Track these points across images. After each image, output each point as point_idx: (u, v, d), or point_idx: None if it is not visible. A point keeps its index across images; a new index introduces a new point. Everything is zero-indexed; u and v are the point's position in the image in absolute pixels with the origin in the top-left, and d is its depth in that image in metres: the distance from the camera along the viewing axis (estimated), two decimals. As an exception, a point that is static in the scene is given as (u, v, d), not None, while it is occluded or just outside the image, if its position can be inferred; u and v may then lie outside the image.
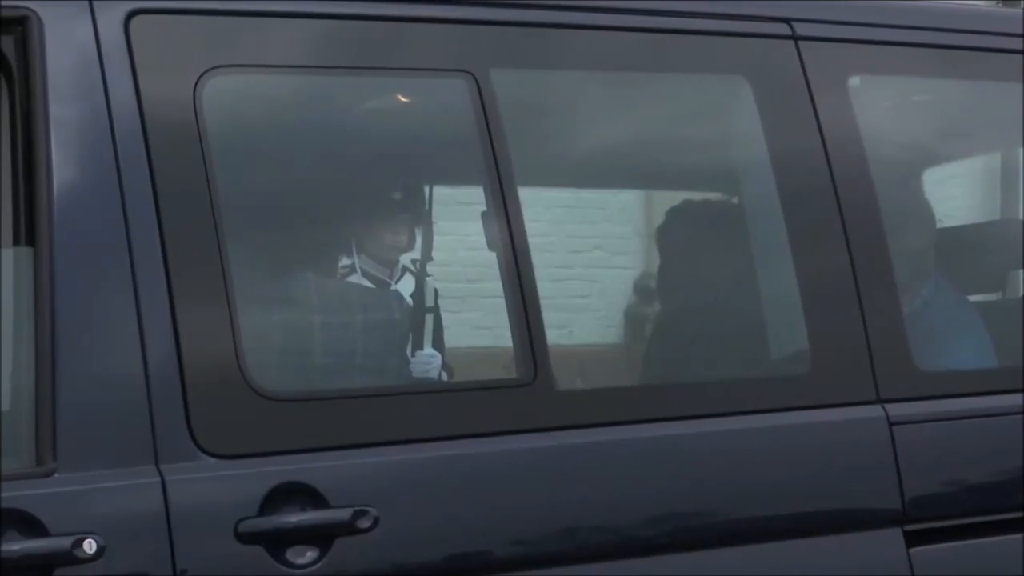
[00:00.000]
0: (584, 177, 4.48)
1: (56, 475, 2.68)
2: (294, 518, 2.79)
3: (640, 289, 4.51)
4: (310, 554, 2.80)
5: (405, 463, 2.92)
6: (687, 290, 3.79)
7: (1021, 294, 4.17)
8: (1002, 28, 3.75)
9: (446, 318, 4.18)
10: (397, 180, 3.84)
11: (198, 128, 2.89)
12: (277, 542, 2.78)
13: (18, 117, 2.83)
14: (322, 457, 2.87)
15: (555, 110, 3.50)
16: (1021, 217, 4.85)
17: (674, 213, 4.00)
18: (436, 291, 4.16)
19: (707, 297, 3.68)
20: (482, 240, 3.18)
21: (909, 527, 3.29)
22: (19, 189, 2.81)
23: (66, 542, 2.62)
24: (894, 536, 3.27)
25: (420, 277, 4.12)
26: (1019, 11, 3.90)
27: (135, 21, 2.89)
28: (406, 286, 4.13)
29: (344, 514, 2.82)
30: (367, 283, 3.94)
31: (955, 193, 5.46)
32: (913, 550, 3.28)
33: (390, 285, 4.08)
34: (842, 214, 3.37)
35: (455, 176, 3.92)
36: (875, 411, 3.31)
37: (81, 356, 2.74)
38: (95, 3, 2.87)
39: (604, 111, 3.51)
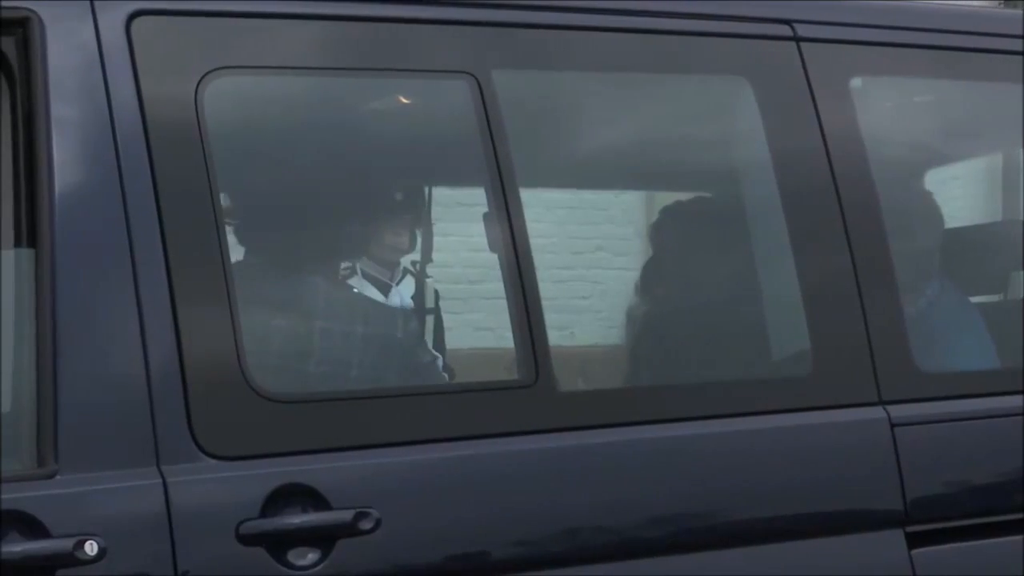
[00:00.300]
0: (586, 178, 4.48)
1: (57, 476, 2.68)
2: (296, 519, 2.79)
3: (642, 290, 4.51)
4: (311, 556, 2.80)
5: (407, 465, 2.92)
6: (689, 291, 3.79)
7: (1022, 295, 4.17)
8: (1004, 30, 3.75)
9: (448, 319, 4.17)
10: (398, 181, 3.84)
11: (200, 129, 2.89)
12: (279, 543, 2.78)
13: (19, 118, 2.83)
14: (323, 458, 2.86)
15: (556, 111, 3.50)
16: (1022, 218, 4.84)
17: (675, 214, 3.99)
18: (437, 292, 4.16)
19: (708, 298, 3.68)
20: (484, 241, 3.18)
21: (911, 528, 3.29)
22: (20, 190, 2.81)
23: (67, 543, 2.62)
24: (896, 537, 3.27)
25: (421, 278, 4.12)
26: (1020, 12, 3.89)
27: (137, 22, 2.89)
28: (407, 287, 4.13)
29: (346, 516, 2.82)
30: (368, 284, 3.94)
31: (956, 194, 5.46)
32: (915, 551, 3.28)
33: (391, 287, 4.07)
34: (843, 215, 3.37)
35: (457, 177, 3.92)
36: (877, 412, 3.31)
37: (82, 357, 2.74)
38: (96, 4, 2.87)
39: (606, 112, 3.51)
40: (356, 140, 3.32)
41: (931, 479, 3.34)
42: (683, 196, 4.08)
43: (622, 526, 3.07)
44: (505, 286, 3.09)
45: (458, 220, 3.94)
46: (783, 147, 3.39)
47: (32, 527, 2.63)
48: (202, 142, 2.88)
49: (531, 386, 3.04)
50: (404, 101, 3.35)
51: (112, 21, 2.87)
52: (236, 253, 3.26)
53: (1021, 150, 4.55)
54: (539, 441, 3.03)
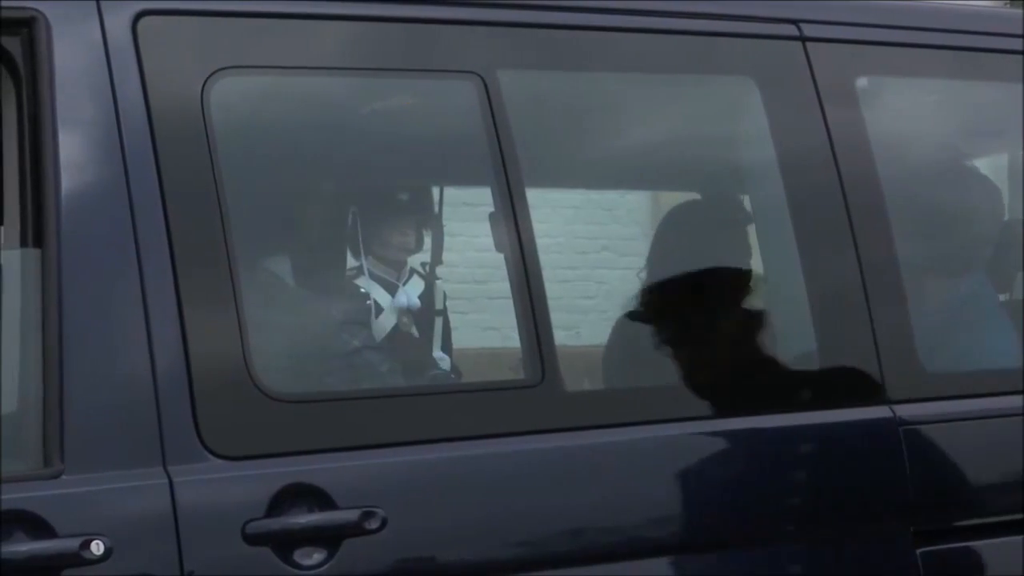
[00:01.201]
0: (592, 178, 4.48)
1: (64, 476, 2.68)
2: (302, 519, 2.79)
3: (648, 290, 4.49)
4: (317, 555, 2.80)
5: (413, 464, 2.92)
6: (694, 291, 3.79)
7: (1023, 295, 4.16)
8: (1009, 29, 3.75)
9: (454, 319, 4.17)
10: (404, 181, 3.84)
11: (206, 129, 2.89)
12: (285, 543, 2.78)
13: (26, 118, 2.83)
14: (329, 458, 2.86)
15: (562, 111, 3.49)
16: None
17: (681, 213, 3.99)
18: (444, 293, 4.16)
19: (714, 298, 3.68)
20: (490, 241, 3.18)
21: (917, 527, 3.29)
22: (27, 191, 2.81)
23: (73, 543, 2.62)
24: (902, 536, 3.27)
25: (428, 279, 4.12)
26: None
27: (143, 22, 2.89)
28: (414, 288, 4.14)
29: (352, 515, 2.82)
30: (375, 284, 3.95)
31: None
32: (921, 550, 3.28)
33: (397, 287, 4.08)
34: (850, 215, 3.37)
35: (463, 177, 3.92)
36: (883, 412, 3.31)
37: (89, 357, 2.74)
38: (103, 4, 2.88)
39: (611, 112, 3.50)
40: (362, 140, 3.32)
41: (937, 478, 3.34)
42: (689, 196, 4.07)
43: (628, 526, 3.07)
44: (511, 286, 3.09)
45: (464, 220, 3.94)
46: (789, 147, 3.39)
47: (38, 527, 2.63)
48: (208, 142, 2.88)
49: (537, 386, 3.04)
50: (410, 101, 3.35)
51: (118, 21, 2.87)
52: (242, 254, 3.26)
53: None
54: (545, 441, 3.02)
